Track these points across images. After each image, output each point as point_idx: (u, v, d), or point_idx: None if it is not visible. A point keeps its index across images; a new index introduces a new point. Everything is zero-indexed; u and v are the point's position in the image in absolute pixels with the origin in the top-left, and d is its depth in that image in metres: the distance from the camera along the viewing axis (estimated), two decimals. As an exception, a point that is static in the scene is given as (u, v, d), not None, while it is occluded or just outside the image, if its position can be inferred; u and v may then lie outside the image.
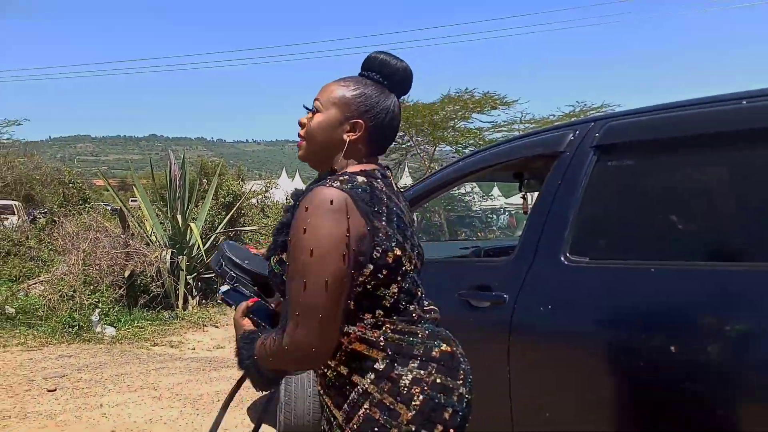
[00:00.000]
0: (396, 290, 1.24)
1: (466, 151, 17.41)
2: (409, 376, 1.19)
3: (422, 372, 1.21)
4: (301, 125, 1.37)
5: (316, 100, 1.36)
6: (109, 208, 11.64)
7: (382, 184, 1.28)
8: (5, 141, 22.85)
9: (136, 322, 6.76)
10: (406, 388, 1.18)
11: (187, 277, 7.89)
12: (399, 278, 1.25)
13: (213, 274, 8.41)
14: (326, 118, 1.32)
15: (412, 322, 1.27)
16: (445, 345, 1.28)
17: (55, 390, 4.48)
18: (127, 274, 7.23)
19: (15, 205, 14.72)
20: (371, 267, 1.19)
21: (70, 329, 6.18)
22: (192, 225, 8.17)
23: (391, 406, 1.17)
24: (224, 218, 9.20)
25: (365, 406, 1.19)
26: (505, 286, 2.11)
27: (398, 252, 1.23)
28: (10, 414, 4.02)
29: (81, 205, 9.93)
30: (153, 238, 8.38)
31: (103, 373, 4.89)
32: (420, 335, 1.26)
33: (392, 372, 1.20)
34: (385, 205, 1.24)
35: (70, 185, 10.43)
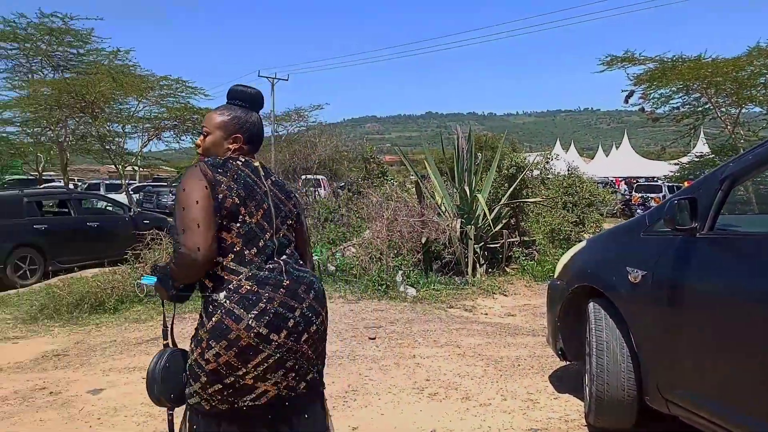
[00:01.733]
0: (233, 234, 1.83)
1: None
2: (218, 302, 1.79)
3: (225, 302, 1.78)
4: (198, 146, 2.04)
5: (203, 127, 2.03)
6: (394, 183, 12.90)
7: (241, 164, 1.92)
8: (312, 123, 26.59)
9: (432, 285, 7.34)
10: (214, 309, 1.79)
11: (475, 246, 8.26)
12: (238, 224, 1.84)
13: (499, 244, 8.67)
14: (213, 139, 1.99)
15: (241, 262, 1.83)
16: (254, 287, 1.80)
17: (375, 338, 5.14)
18: (423, 240, 7.88)
19: (321, 179, 17.14)
20: (216, 206, 1.80)
21: (379, 287, 6.99)
22: (479, 196, 8.50)
23: (226, 316, 1.77)
24: (507, 190, 9.36)
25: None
26: None
27: (236, 201, 1.83)
28: (342, 355, 4.74)
29: (380, 178, 11.08)
30: (442, 208, 8.96)
31: (412, 328, 5.45)
32: (240, 275, 1.81)
33: (212, 296, 1.81)
34: (234, 172, 1.87)
35: (371, 161, 11.69)
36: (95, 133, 20.14)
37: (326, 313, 2.00)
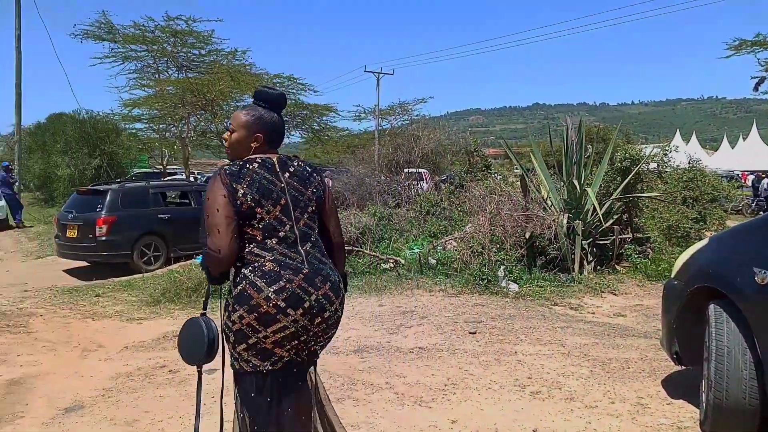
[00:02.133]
0: (255, 228, 2.13)
1: None
2: (243, 275, 2.10)
3: (250, 275, 2.09)
4: (225, 140, 2.34)
5: (230, 124, 2.29)
6: (498, 177, 12.62)
7: (257, 165, 2.17)
8: (416, 117, 26.69)
9: (536, 281, 7.13)
10: (241, 280, 2.10)
11: (583, 242, 7.92)
12: (255, 222, 2.13)
13: (609, 241, 8.27)
14: (238, 136, 2.25)
15: (265, 249, 2.13)
16: (276, 268, 2.09)
17: (475, 333, 5.08)
18: (527, 235, 7.67)
19: (423, 172, 17.14)
20: (236, 210, 2.09)
21: (480, 281, 6.89)
22: (588, 190, 8.14)
23: (249, 286, 2.09)
24: (620, 184, 8.90)
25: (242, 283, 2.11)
26: None
27: (252, 204, 2.10)
28: (441, 348, 4.73)
29: (483, 171, 10.92)
30: (548, 202, 8.67)
31: (513, 324, 5.32)
32: (266, 257, 2.11)
33: (240, 270, 2.12)
34: (249, 177, 2.13)
35: (474, 154, 11.55)
36: (214, 129, 21.38)
37: (341, 302, 2.25)
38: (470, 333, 5.09)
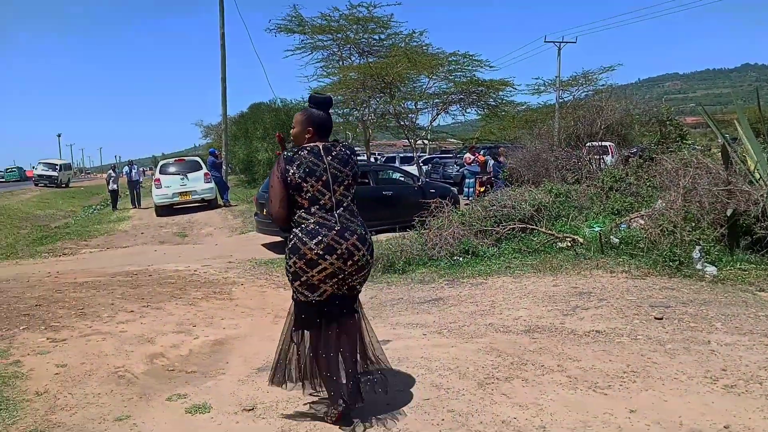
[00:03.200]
0: (303, 198, 2.97)
1: None
2: (294, 232, 3.01)
3: (299, 233, 2.98)
4: (290, 134, 3.18)
5: (293, 122, 3.16)
6: (695, 147, 11.30)
7: (306, 152, 3.01)
8: (601, 86, 25.00)
9: (738, 264, 6.35)
10: (293, 237, 3.01)
11: (800, 220, 6.85)
12: (302, 192, 2.97)
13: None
14: (296, 131, 3.13)
15: (309, 214, 2.98)
16: (316, 227, 2.95)
17: (661, 318, 4.67)
18: (729, 212, 6.83)
19: (609, 145, 15.99)
20: (287, 185, 2.97)
21: (671, 263, 6.29)
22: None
23: (298, 241, 2.97)
24: None
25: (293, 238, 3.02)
26: None
27: (298, 180, 2.95)
28: (621, 333, 4.43)
29: (677, 142, 9.91)
30: (756, 175, 7.62)
31: (708, 311, 4.80)
32: (310, 220, 2.96)
33: (292, 229, 3.03)
34: (299, 160, 2.98)
35: (667, 123, 10.52)
36: (392, 111, 22.08)
37: (368, 248, 3.05)
38: (656, 318, 4.70)
